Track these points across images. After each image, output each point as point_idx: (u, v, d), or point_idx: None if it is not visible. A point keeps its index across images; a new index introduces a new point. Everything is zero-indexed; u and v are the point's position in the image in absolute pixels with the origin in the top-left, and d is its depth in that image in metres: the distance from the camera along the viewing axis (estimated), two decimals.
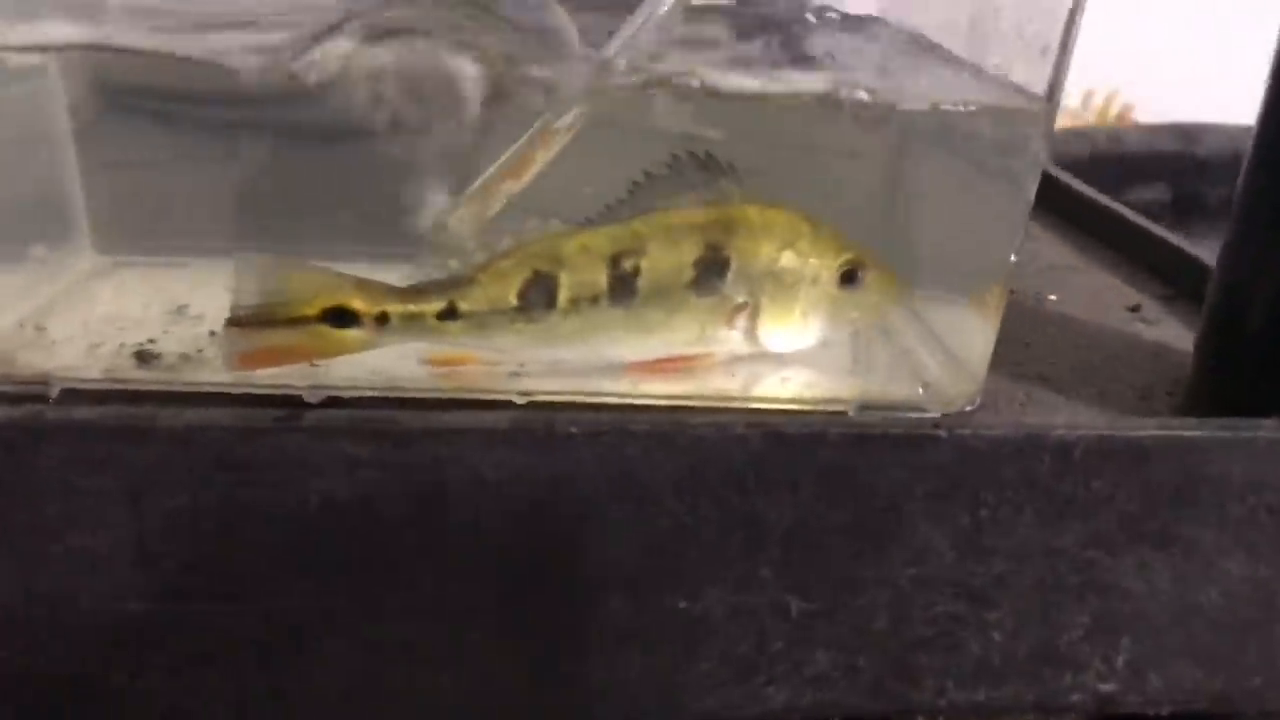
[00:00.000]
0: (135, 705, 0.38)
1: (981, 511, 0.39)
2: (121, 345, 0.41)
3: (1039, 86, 0.39)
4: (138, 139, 0.47)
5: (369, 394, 0.39)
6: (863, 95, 0.39)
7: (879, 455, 0.38)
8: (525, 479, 0.37)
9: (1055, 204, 0.69)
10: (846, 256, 0.41)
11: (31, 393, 0.38)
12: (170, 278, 0.48)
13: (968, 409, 0.41)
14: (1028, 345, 0.49)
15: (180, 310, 0.45)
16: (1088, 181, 0.71)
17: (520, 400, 0.39)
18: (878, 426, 0.38)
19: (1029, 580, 0.40)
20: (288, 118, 0.42)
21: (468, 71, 0.37)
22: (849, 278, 0.41)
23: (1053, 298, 0.56)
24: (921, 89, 0.43)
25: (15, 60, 0.43)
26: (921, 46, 0.48)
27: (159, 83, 0.44)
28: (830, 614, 0.39)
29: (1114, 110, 1.21)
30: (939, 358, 0.44)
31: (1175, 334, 0.52)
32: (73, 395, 0.38)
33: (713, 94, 0.39)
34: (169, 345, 0.41)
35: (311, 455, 0.36)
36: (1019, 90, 0.40)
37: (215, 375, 0.40)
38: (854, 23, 0.47)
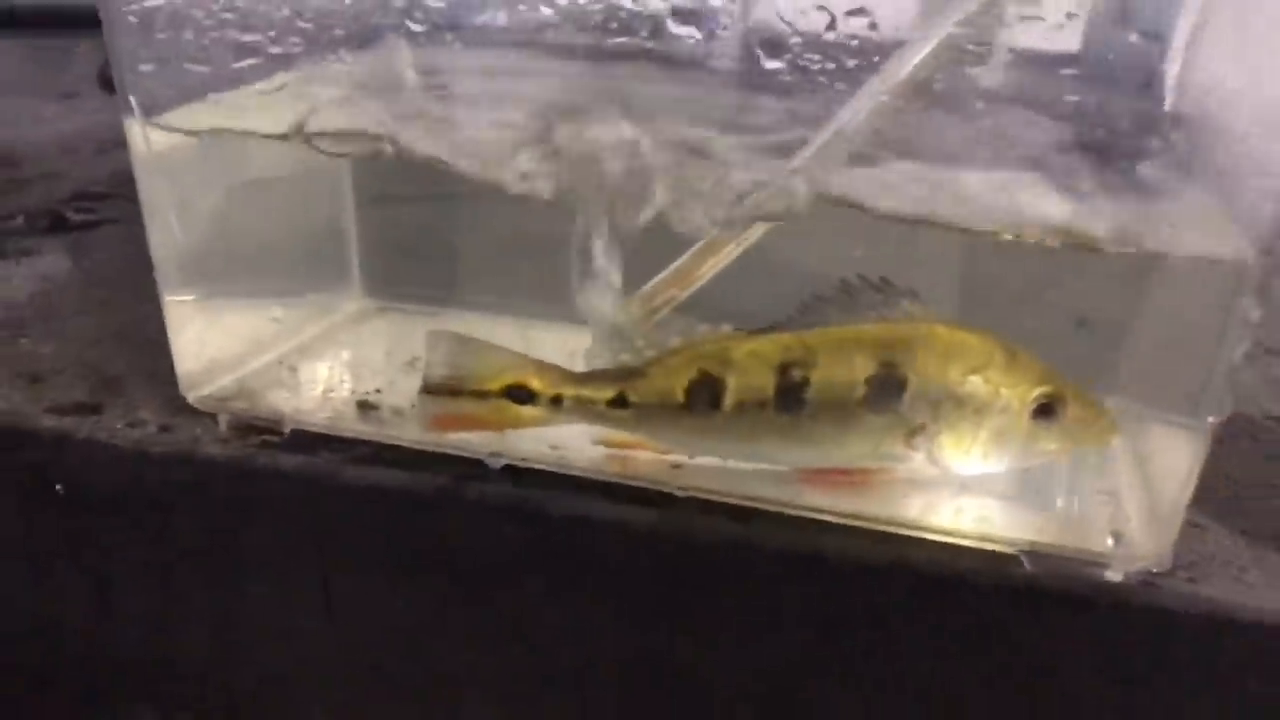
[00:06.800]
0: None
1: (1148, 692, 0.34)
2: (352, 393, 0.46)
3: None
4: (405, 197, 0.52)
5: (541, 467, 0.41)
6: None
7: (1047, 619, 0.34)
8: (661, 580, 0.37)
9: None
10: (1043, 389, 0.37)
11: (268, 429, 0.43)
12: (420, 325, 0.53)
13: (1154, 571, 0.36)
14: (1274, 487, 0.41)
15: (413, 362, 0.49)
16: None
17: (680, 494, 0.39)
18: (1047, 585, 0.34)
19: None
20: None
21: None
22: (1045, 411, 0.37)
23: None
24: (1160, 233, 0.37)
25: None
26: None
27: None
28: None
29: None
30: (1140, 504, 0.39)
31: None
32: (299, 438, 0.43)
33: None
34: (390, 398, 0.46)
35: (469, 526, 0.38)
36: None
37: (417, 434, 0.43)
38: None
